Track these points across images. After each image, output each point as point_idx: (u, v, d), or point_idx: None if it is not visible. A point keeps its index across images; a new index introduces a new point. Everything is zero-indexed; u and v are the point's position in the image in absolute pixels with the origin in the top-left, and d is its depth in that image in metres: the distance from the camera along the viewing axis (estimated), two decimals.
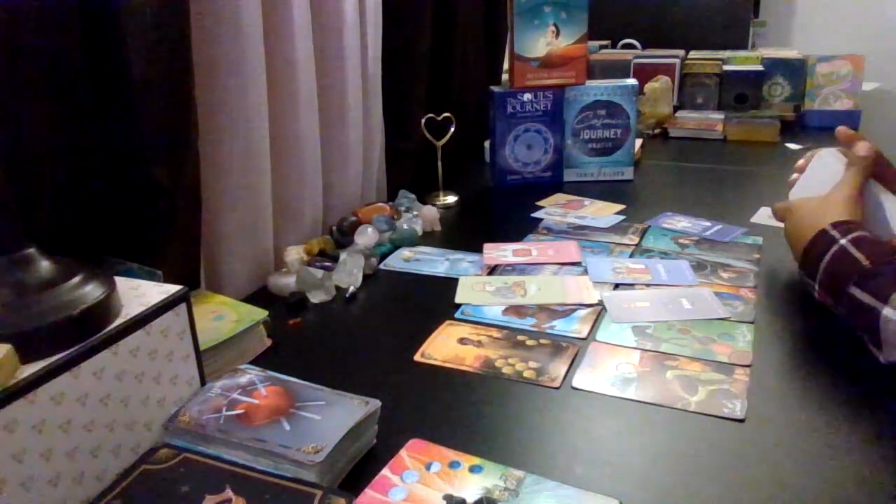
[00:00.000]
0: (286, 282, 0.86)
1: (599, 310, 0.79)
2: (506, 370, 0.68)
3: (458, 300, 0.83)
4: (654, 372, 0.67)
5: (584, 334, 0.74)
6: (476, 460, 0.54)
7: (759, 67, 1.73)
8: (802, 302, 0.81)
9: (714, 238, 0.99)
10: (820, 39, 2.80)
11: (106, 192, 0.69)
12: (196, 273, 0.79)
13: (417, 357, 0.71)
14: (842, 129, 0.87)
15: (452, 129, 1.18)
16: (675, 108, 1.78)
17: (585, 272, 0.89)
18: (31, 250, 0.50)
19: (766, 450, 0.55)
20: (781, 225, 0.88)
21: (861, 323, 0.67)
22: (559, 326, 0.76)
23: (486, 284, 0.86)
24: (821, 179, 0.84)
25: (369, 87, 1.10)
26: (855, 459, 0.54)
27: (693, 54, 1.92)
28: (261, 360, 0.70)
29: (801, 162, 0.91)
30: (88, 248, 0.67)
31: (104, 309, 0.50)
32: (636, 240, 1.00)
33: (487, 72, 1.60)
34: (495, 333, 0.75)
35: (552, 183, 1.29)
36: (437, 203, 1.19)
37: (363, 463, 0.55)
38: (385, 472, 0.53)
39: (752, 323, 0.75)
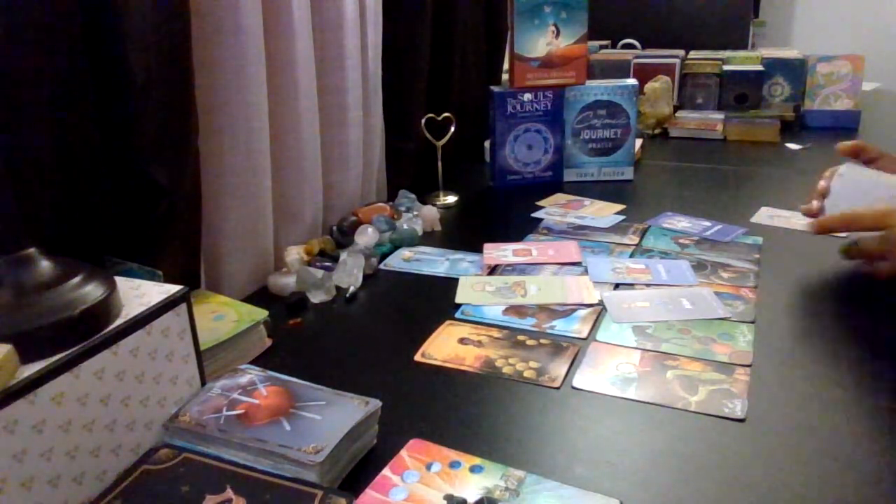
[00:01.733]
0: (286, 282, 0.86)
1: (600, 310, 0.79)
2: (506, 370, 0.68)
3: (458, 300, 0.83)
4: (654, 372, 0.67)
5: (584, 334, 0.74)
6: (477, 460, 0.54)
7: (759, 67, 1.73)
8: (802, 302, 0.82)
9: (714, 238, 0.99)
10: (820, 39, 2.81)
11: (106, 192, 0.69)
12: (196, 273, 0.79)
13: (418, 357, 0.71)
14: (843, 146, 0.86)
15: (452, 129, 1.18)
16: (675, 108, 1.78)
17: (585, 272, 0.89)
18: (32, 250, 0.50)
19: (766, 450, 0.55)
20: (777, 224, 0.87)
21: None
22: (559, 326, 0.76)
23: (486, 284, 0.86)
24: (853, 195, 0.83)
25: (369, 87, 1.10)
26: (855, 459, 0.54)
27: (693, 54, 1.92)
28: (261, 360, 0.70)
29: (822, 184, 0.88)
30: (89, 248, 0.67)
31: (104, 309, 0.50)
32: (636, 240, 1.00)
33: (487, 72, 1.60)
34: (495, 333, 0.75)
35: (552, 183, 1.29)
36: (437, 203, 1.19)
37: (364, 463, 0.55)
38: (385, 472, 0.53)
39: (752, 323, 0.75)
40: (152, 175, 0.70)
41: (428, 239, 1.05)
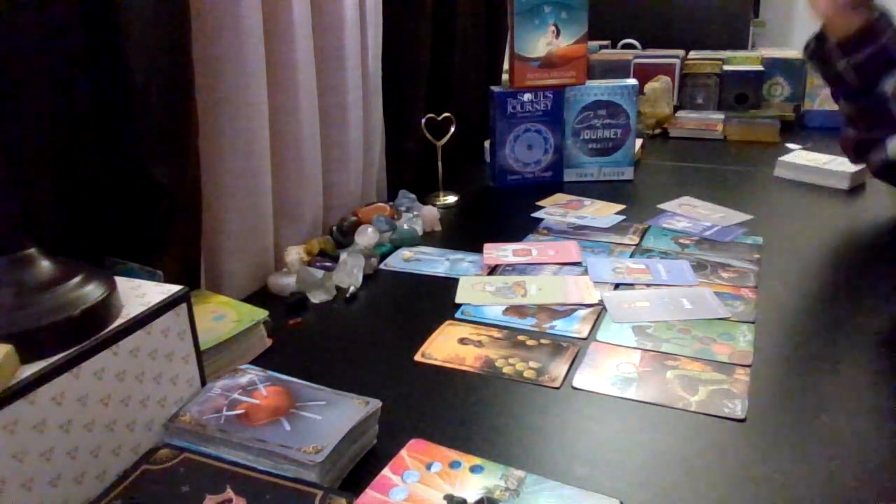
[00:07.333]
0: (286, 282, 0.86)
1: (600, 310, 0.79)
2: (506, 370, 0.68)
3: (458, 300, 0.83)
4: (654, 372, 0.67)
5: (584, 334, 0.74)
6: (477, 460, 0.54)
7: (759, 67, 1.73)
8: (802, 302, 0.82)
9: (714, 238, 0.99)
10: None
11: (106, 192, 0.69)
12: (196, 273, 0.79)
13: (418, 357, 0.71)
14: None
15: (452, 129, 1.18)
16: (675, 108, 1.78)
17: (586, 272, 0.89)
18: (32, 250, 0.50)
19: (766, 450, 0.55)
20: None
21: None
22: (559, 326, 0.76)
23: (486, 284, 0.86)
24: None
25: (369, 87, 1.10)
26: (855, 459, 0.54)
27: (693, 54, 1.92)
28: (261, 360, 0.70)
29: None
30: (89, 248, 0.67)
31: (105, 309, 0.50)
32: (636, 240, 1.00)
33: (487, 72, 1.60)
34: (496, 333, 0.75)
35: (552, 183, 1.29)
36: (437, 203, 1.19)
37: (364, 463, 0.55)
38: (386, 472, 0.53)
39: (752, 323, 0.75)
40: (152, 175, 0.70)
41: (428, 239, 1.05)
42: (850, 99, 0.90)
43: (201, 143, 0.76)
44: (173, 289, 0.56)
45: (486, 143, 1.40)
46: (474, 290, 0.85)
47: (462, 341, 0.73)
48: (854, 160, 0.96)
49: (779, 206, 1.16)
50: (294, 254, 0.90)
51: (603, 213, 1.12)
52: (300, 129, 0.93)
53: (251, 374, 0.60)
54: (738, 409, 0.60)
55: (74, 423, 0.47)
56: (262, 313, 0.72)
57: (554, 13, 1.21)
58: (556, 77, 1.24)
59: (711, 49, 2.00)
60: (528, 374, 0.67)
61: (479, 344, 0.73)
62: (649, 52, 1.98)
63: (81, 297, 0.49)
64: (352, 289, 0.86)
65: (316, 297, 0.84)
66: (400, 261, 0.96)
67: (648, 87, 1.69)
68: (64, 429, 0.46)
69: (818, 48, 0.93)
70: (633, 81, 1.29)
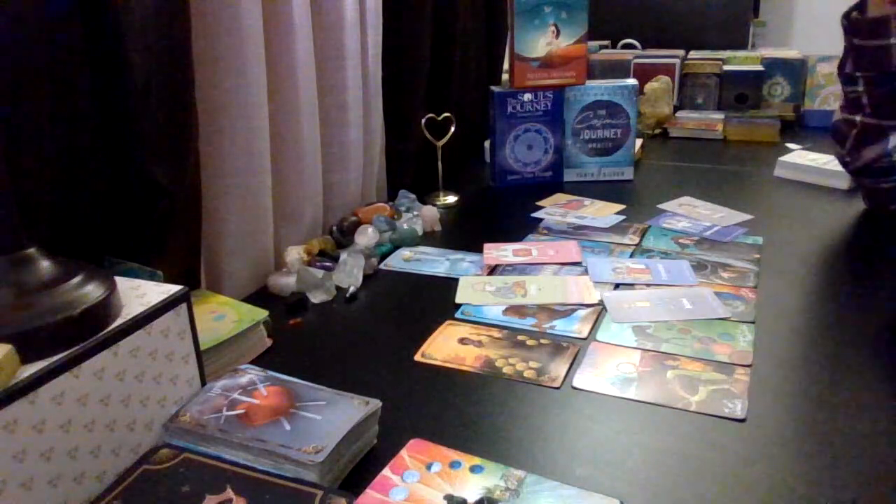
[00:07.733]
0: (286, 282, 0.86)
1: (600, 310, 0.79)
2: (506, 370, 0.68)
3: (458, 300, 0.83)
4: (654, 372, 0.67)
5: (584, 334, 0.74)
6: (477, 460, 0.54)
7: (759, 67, 1.73)
8: (802, 302, 0.82)
9: (714, 238, 0.99)
10: (820, 39, 2.79)
11: (106, 192, 0.69)
12: (196, 273, 0.79)
13: (418, 357, 0.71)
14: None
15: (452, 129, 1.18)
16: (675, 108, 1.78)
17: (586, 272, 0.89)
18: (32, 250, 0.50)
19: (766, 450, 0.55)
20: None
21: None
22: (559, 326, 0.76)
23: (486, 284, 0.86)
24: None
25: (369, 87, 1.10)
26: (855, 459, 0.54)
27: (693, 54, 1.92)
28: (261, 360, 0.70)
29: None
30: (89, 248, 0.67)
31: (104, 309, 0.50)
32: (636, 240, 1.00)
33: (487, 72, 1.60)
34: (496, 333, 0.75)
35: (552, 183, 1.29)
36: (437, 203, 1.19)
37: (364, 463, 0.55)
38: (386, 472, 0.53)
39: (752, 323, 0.75)
40: (152, 175, 0.70)
41: (428, 239, 1.05)
42: (877, 83, 0.86)
43: (201, 143, 0.76)
44: (173, 289, 0.56)
45: (486, 143, 1.40)
46: (474, 290, 0.85)
47: (462, 341, 0.73)
48: (849, 149, 0.91)
49: (779, 206, 1.16)
50: (294, 254, 0.90)
51: (603, 213, 1.12)
52: (300, 129, 0.93)
53: (251, 374, 0.60)
54: (738, 409, 0.60)
55: (74, 423, 0.47)
56: (262, 313, 0.72)
57: (554, 13, 1.21)
58: (556, 77, 1.24)
59: (711, 49, 2.00)
60: (528, 374, 0.67)
61: (479, 344, 0.73)
62: (649, 52, 1.98)
63: (81, 297, 0.49)
64: (352, 289, 0.86)
65: (316, 297, 0.84)
66: (400, 261, 0.96)
67: (648, 87, 1.69)
68: (64, 429, 0.46)
69: (861, 17, 0.88)
70: (633, 81, 1.29)
